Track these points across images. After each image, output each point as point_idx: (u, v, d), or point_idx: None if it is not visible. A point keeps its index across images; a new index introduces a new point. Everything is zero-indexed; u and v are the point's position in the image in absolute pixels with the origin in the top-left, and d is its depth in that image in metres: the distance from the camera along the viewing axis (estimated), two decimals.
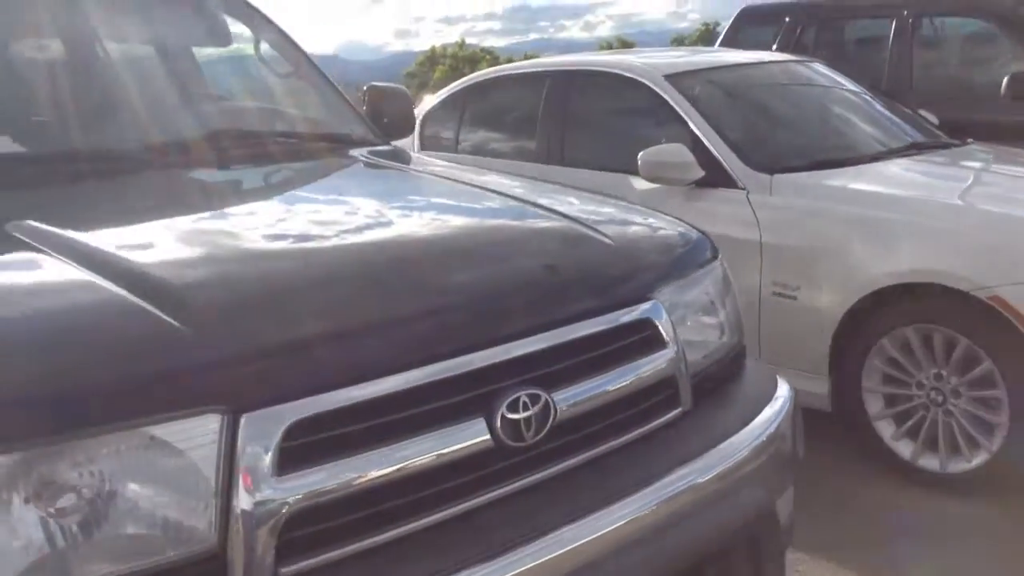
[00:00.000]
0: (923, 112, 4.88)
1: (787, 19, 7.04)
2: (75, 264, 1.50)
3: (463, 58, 72.73)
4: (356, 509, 1.37)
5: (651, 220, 2.18)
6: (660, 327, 1.82)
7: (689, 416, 1.87)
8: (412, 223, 1.98)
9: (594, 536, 1.53)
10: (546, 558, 1.46)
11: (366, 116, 2.99)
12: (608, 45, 62.54)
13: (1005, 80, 5.64)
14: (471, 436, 1.48)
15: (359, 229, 1.89)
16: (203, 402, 1.27)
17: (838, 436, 3.55)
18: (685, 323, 1.95)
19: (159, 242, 1.69)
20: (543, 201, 2.10)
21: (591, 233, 1.94)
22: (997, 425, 3.12)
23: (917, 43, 6.46)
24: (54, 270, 1.51)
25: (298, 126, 2.76)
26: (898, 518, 3.13)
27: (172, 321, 1.35)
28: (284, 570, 1.29)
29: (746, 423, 1.92)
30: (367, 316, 1.50)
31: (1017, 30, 6.11)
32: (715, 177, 3.90)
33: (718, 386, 2.00)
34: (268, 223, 1.95)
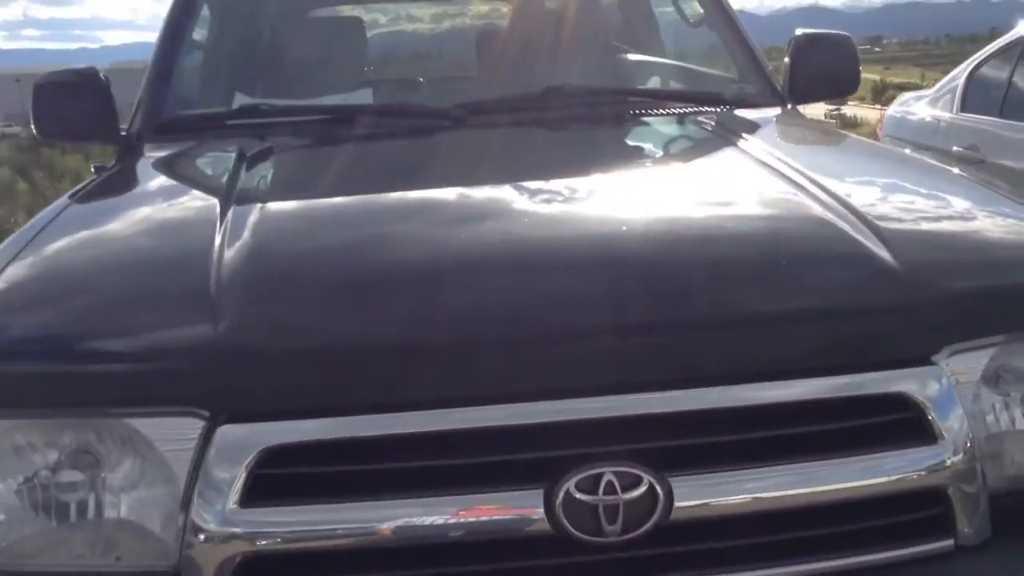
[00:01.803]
0: None
1: None
2: None
3: None
4: (340, 569, 1.10)
5: (1004, 230, 1.42)
6: (928, 409, 1.15)
7: (980, 553, 1.17)
8: (624, 221, 1.42)
9: None
10: None
11: (788, 70, 2.47)
12: None
13: None
14: (520, 511, 1.08)
15: (537, 218, 1.48)
16: (180, 403, 1.11)
17: None
18: (1011, 406, 1.22)
19: None
20: (848, 196, 1.46)
21: (861, 242, 1.29)
22: None
23: None
24: None
25: (667, 81, 2.40)
26: None
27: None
28: None
29: None
30: (413, 331, 1.16)
31: None
32: None
33: None
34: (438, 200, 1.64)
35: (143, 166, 2.02)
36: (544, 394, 1.11)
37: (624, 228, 1.38)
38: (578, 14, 2.57)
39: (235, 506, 1.07)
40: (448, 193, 1.66)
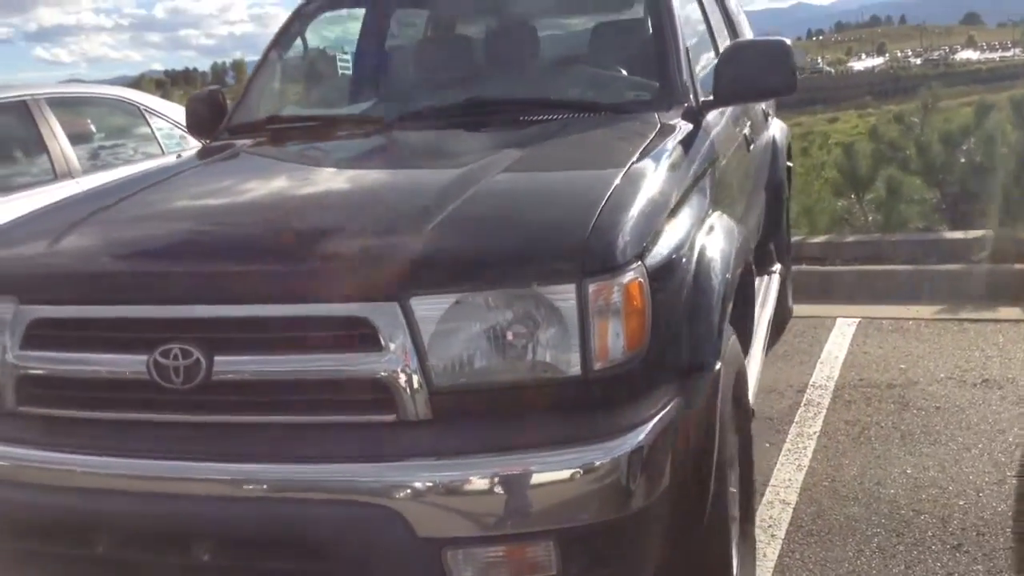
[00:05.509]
0: None
1: None
2: None
3: None
4: (67, 388, 1.94)
5: (526, 211, 1.98)
6: (379, 329, 1.74)
7: (416, 426, 1.76)
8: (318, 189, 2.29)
9: (167, 475, 1.81)
10: (125, 472, 1.85)
11: (723, 74, 2.77)
12: None
13: None
14: (138, 365, 1.86)
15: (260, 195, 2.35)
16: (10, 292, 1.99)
17: None
18: (452, 335, 1.75)
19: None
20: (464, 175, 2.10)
21: (422, 219, 1.89)
22: None
23: None
24: None
25: (585, 90, 2.89)
26: None
27: None
28: (21, 408, 1.96)
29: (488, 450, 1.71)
30: (116, 263, 2.02)
31: None
32: None
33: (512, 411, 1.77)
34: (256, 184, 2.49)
35: (204, 150, 3.07)
36: (162, 301, 1.89)
37: (317, 202, 2.20)
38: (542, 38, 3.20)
39: (18, 349, 1.95)
40: (290, 175, 2.53)
